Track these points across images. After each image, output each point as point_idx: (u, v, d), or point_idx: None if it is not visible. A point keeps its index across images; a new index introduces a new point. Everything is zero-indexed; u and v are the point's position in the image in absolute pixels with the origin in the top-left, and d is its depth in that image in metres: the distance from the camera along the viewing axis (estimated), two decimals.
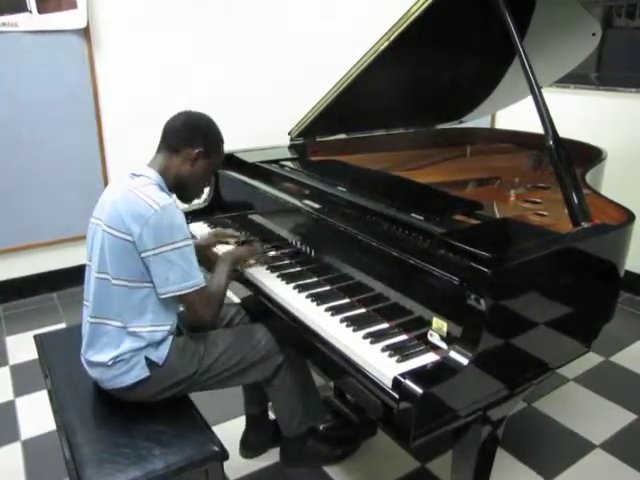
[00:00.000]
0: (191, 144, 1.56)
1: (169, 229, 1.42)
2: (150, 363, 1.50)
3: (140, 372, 1.49)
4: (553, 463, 2.00)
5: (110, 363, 1.48)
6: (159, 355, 1.51)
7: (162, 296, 1.46)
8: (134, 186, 1.48)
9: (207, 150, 1.59)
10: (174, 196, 1.61)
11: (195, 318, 1.54)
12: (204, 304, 1.51)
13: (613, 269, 1.47)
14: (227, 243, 1.97)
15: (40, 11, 2.85)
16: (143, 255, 1.43)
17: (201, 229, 2.19)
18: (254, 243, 1.92)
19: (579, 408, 2.31)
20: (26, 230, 3.15)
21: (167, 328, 1.52)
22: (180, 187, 1.62)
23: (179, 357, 1.55)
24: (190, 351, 1.57)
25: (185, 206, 2.26)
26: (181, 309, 1.63)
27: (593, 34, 2.16)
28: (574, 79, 3.16)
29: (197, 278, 1.47)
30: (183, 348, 1.56)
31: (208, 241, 1.94)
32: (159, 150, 1.60)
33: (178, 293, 1.45)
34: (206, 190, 2.31)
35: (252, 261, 1.81)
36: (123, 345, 1.48)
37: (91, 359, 1.53)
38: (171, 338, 1.55)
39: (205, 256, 1.87)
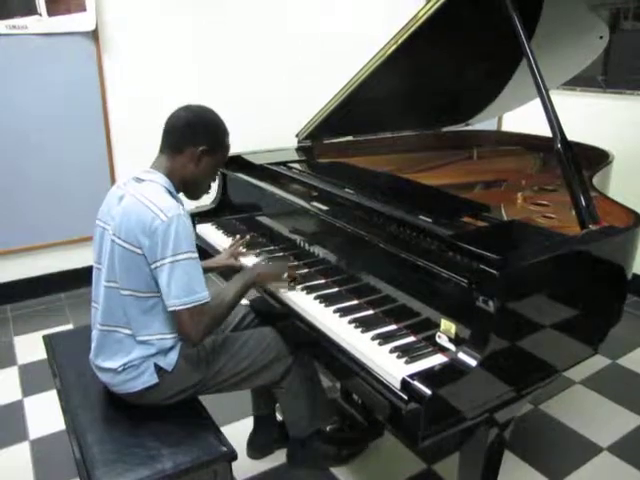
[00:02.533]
0: (194, 143, 1.50)
1: (175, 240, 1.37)
2: (159, 369, 1.49)
3: (149, 378, 1.49)
4: (560, 466, 2.00)
5: (120, 369, 1.49)
6: (168, 362, 1.50)
7: (168, 309, 1.41)
8: (142, 193, 1.43)
9: (211, 147, 1.53)
10: (182, 196, 1.58)
11: (183, 333, 1.46)
12: (198, 322, 1.41)
13: (621, 272, 1.47)
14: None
15: (50, 14, 2.87)
16: (152, 267, 1.40)
17: (208, 230, 2.20)
18: (283, 260, 1.83)
19: (586, 411, 2.31)
20: (33, 231, 3.17)
21: (176, 335, 1.51)
22: (187, 187, 1.58)
23: (188, 363, 1.54)
24: (199, 357, 1.57)
25: (193, 206, 2.30)
26: None
27: (600, 37, 2.16)
28: (581, 82, 3.16)
29: (199, 293, 1.40)
30: (191, 355, 1.55)
31: (225, 262, 1.90)
32: (162, 150, 1.55)
33: (180, 307, 1.39)
34: (214, 185, 2.32)
35: (280, 282, 1.68)
36: (133, 352, 1.48)
37: (101, 365, 1.53)
38: (180, 344, 1.54)
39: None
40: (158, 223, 1.37)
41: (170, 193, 1.49)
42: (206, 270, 1.90)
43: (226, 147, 1.60)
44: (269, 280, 1.68)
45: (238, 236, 1.99)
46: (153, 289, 1.44)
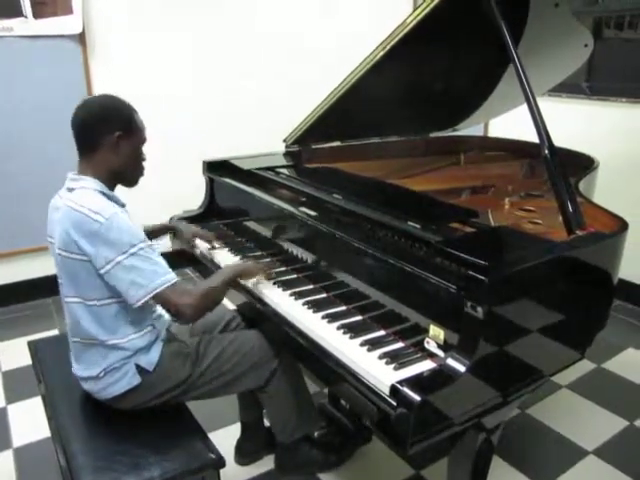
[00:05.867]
0: (106, 133, 1.46)
1: (119, 238, 1.37)
2: (141, 370, 1.49)
3: (131, 380, 1.49)
4: (547, 470, 2.01)
5: (102, 375, 1.48)
6: (149, 361, 1.50)
7: (135, 305, 1.40)
8: (75, 201, 1.41)
9: (125, 130, 1.49)
10: (121, 188, 1.56)
11: (175, 315, 1.47)
12: (180, 297, 1.41)
13: (607, 277, 1.48)
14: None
15: (36, 16, 2.85)
16: (102, 272, 1.38)
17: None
18: (264, 260, 1.85)
19: (572, 415, 2.32)
20: (18, 235, 3.13)
21: (146, 331, 1.51)
22: (119, 177, 1.54)
23: (170, 363, 1.54)
24: (182, 357, 1.57)
25: (180, 210, 2.29)
26: (166, 317, 1.63)
27: (585, 45, 2.19)
28: (566, 88, 3.19)
29: (165, 275, 1.41)
30: (175, 354, 1.56)
31: (186, 236, 2.00)
32: (80, 154, 1.50)
33: (149, 296, 1.39)
34: (202, 190, 2.32)
35: (258, 278, 1.71)
36: (110, 356, 1.48)
37: (81, 374, 1.53)
38: (161, 344, 1.54)
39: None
40: (97, 227, 1.36)
41: (104, 194, 1.46)
42: (169, 228, 2.05)
43: (137, 124, 1.54)
44: (251, 274, 1.70)
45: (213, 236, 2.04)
46: (112, 294, 1.43)
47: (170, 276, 1.42)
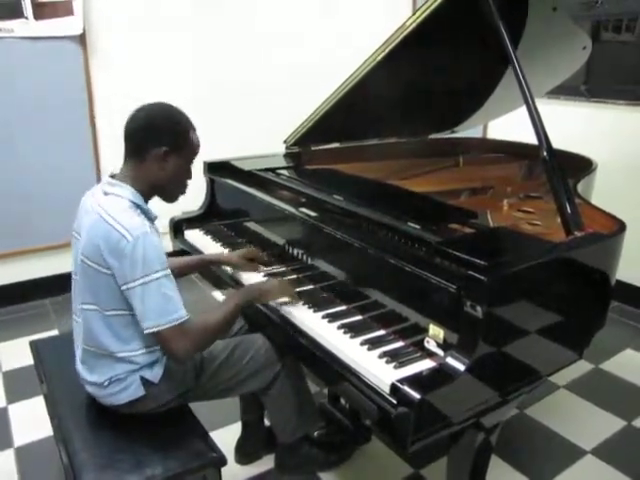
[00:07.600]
0: (154, 145, 1.41)
1: (143, 260, 1.32)
2: (145, 382, 1.48)
3: (136, 391, 1.47)
4: (545, 469, 2.02)
5: (106, 384, 1.47)
6: (155, 374, 1.49)
7: (145, 331, 1.37)
8: (106, 210, 1.37)
9: (174, 145, 1.44)
10: (157, 199, 1.52)
11: (167, 353, 1.44)
12: (179, 340, 1.36)
13: (605, 277, 1.50)
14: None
15: (36, 17, 2.86)
16: (123, 288, 1.36)
17: (196, 236, 2.20)
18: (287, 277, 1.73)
19: (570, 415, 2.34)
20: (17, 236, 3.14)
21: (156, 348, 1.48)
22: (159, 191, 1.50)
23: (176, 374, 1.52)
24: (187, 367, 1.55)
25: (180, 212, 2.30)
26: None
27: (584, 48, 2.21)
28: (564, 90, 3.21)
29: (175, 312, 1.36)
30: (180, 365, 1.54)
31: (234, 261, 1.84)
32: (126, 158, 1.46)
33: (156, 329, 1.35)
34: (202, 191, 2.33)
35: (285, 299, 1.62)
36: (118, 367, 1.46)
37: (87, 378, 1.52)
38: (167, 356, 1.51)
39: (214, 273, 1.82)
40: (124, 244, 1.32)
41: (139, 207, 1.43)
42: (213, 262, 1.89)
43: (192, 142, 1.49)
44: (269, 299, 1.62)
45: (262, 253, 1.91)
46: (126, 306, 1.40)
47: (179, 314, 1.36)
